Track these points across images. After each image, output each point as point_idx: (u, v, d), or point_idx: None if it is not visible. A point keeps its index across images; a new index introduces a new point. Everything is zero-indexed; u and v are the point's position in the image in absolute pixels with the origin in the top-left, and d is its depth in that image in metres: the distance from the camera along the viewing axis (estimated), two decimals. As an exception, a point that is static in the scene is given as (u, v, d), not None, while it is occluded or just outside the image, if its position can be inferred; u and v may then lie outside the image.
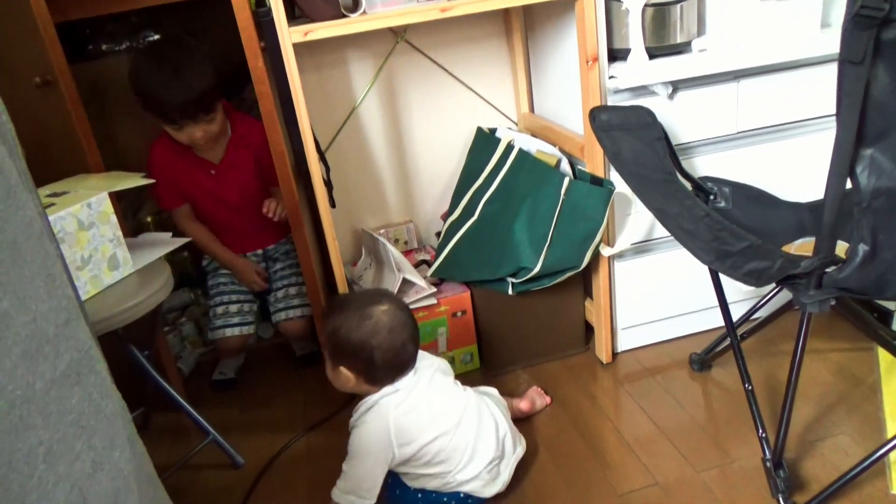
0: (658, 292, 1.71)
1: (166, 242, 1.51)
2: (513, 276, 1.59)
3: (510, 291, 1.63)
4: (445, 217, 1.90)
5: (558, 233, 1.50)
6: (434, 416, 1.27)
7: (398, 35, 1.82)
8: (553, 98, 1.79)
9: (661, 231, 1.63)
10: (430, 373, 1.32)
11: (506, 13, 1.85)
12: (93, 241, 1.28)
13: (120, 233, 1.34)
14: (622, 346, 1.78)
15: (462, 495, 1.31)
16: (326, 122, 1.85)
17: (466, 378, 1.80)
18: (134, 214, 2.17)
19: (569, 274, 1.57)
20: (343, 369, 1.27)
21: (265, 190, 1.83)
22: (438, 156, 1.98)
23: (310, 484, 1.49)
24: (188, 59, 1.61)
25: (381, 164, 1.95)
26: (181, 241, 1.52)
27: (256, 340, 2.05)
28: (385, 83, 1.87)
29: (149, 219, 2.15)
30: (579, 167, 1.59)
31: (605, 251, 1.58)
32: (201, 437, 1.57)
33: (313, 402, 1.77)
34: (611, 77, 1.49)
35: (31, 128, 1.51)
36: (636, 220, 1.60)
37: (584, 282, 1.76)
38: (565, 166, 1.60)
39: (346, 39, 1.79)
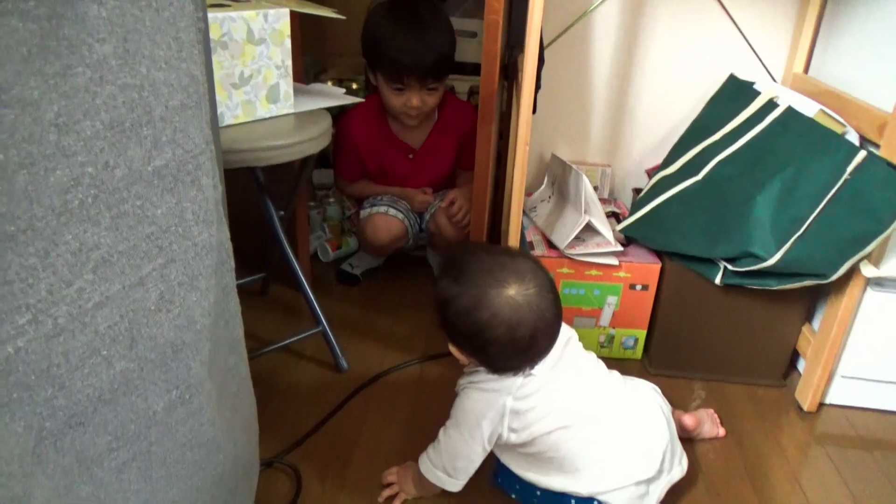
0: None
1: (337, 96, 1.30)
2: (731, 260, 1.22)
3: (717, 280, 1.26)
4: (652, 173, 1.55)
5: (821, 222, 1.10)
6: (559, 403, 0.98)
7: (672, -67, 1.45)
8: (851, 59, 1.35)
9: (955, 267, 1.18)
10: (570, 349, 1.03)
11: (822, -64, 1.42)
12: (258, 59, 1.08)
13: (290, 62, 1.13)
14: (834, 397, 1.36)
15: (595, 502, 1.01)
16: (548, 20, 1.54)
17: (622, 368, 1.48)
18: (316, 76, 2.02)
19: (808, 282, 1.17)
20: (452, 347, 1.00)
21: (454, 172, 1.67)
22: (667, 97, 1.61)
23: (411, 415, 1.26)
24: (433, 19, 1.49)
25: (597, 88, 1.62)
26: (354, 99, 1.30)
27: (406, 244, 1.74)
28: (635, -9, 1.52)
29: (329, 83, 1.98)
30: (869, 149, 1.17)
31: (868, 270, 1.17)
32: (312, 324, 1.39)
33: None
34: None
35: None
36: (926, 241, 1.16)
37: (809, 299, 1.35)
38: (852, 139, 1.18)
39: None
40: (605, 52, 1.58)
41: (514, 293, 0.90)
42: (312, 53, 1.99)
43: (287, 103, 1.15)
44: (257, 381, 1.33)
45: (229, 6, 1.07)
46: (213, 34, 1.01)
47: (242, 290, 1.58)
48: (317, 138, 1.14)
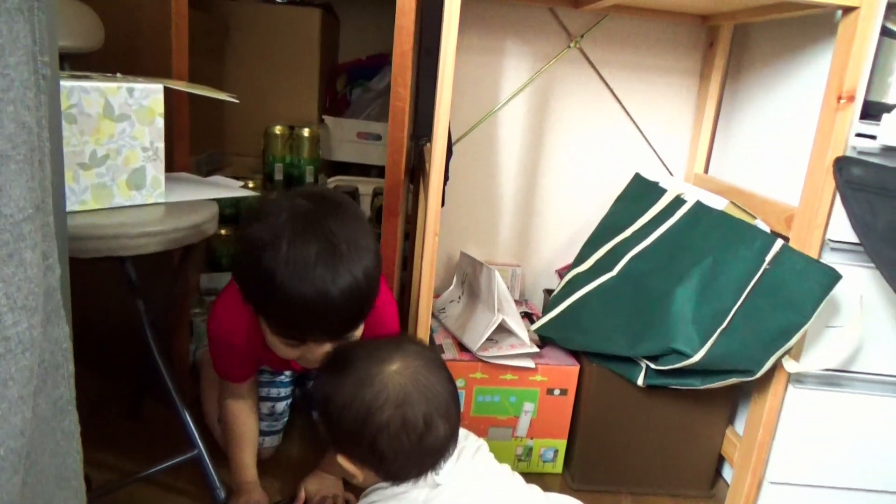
0: (844, 448, 1.21)
1: (231, 188, 1.17)
2: (653, 359, 1.14)
3: (640, 381, 1.18)
4: (563, 273, 1.50)
5: (744, 314, 1.05)
6: None
7: (573, 39, 1.48)
8: (749, 158, 1.38)
9: (872, 362, 1.16)
10: (481, 460, 0.91)
11: (711, 44, 1.49)
12: (118, 138, 0.94)
13: (162, 146, 1.00)
14: (766, 506, 1.27)
15: None
16: (455, 118, 1.51)
17: (542, 484, 1.34)
18: (209, 173, 1.89)
19: (734, 379, 1.10)
20: (341, 458, 0.87)
21: None
22: (576, 198, 1.60)
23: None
24: (350, 251, 0.87)
25: (505, 188, 1.58)
26: (249, 193, 1.18)
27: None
28: (538, 92, 1.53)
29: (222, 182, 1.85)
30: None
31: (790, 365, 1.12)
32: (189, 447, 1.17)
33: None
34: (857, 135, 1.08)
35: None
36: (843, 336, 1.13)
37: (731, 400, 1.29)
38: (764, 229, 1.17)
39: (511, 25, 1.47)
40: (512, 151, 1.56)
41: (397, 368, 0.83)
42: (209, 152, 1.87)
43: (156, 191, 1.01)
44: (106, 523, 1.10)
45: (92, 77, 0.95)
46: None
47: (107, 411, 1.31)
48: (196, 227, 0.99)
